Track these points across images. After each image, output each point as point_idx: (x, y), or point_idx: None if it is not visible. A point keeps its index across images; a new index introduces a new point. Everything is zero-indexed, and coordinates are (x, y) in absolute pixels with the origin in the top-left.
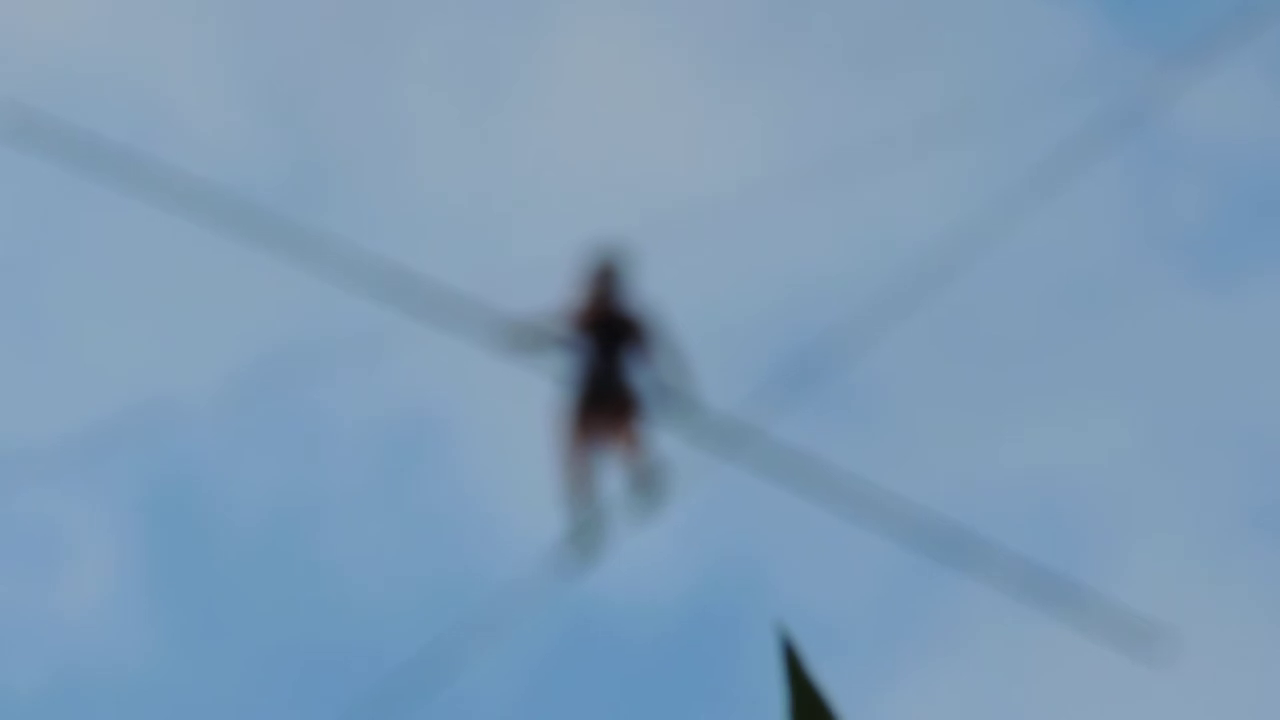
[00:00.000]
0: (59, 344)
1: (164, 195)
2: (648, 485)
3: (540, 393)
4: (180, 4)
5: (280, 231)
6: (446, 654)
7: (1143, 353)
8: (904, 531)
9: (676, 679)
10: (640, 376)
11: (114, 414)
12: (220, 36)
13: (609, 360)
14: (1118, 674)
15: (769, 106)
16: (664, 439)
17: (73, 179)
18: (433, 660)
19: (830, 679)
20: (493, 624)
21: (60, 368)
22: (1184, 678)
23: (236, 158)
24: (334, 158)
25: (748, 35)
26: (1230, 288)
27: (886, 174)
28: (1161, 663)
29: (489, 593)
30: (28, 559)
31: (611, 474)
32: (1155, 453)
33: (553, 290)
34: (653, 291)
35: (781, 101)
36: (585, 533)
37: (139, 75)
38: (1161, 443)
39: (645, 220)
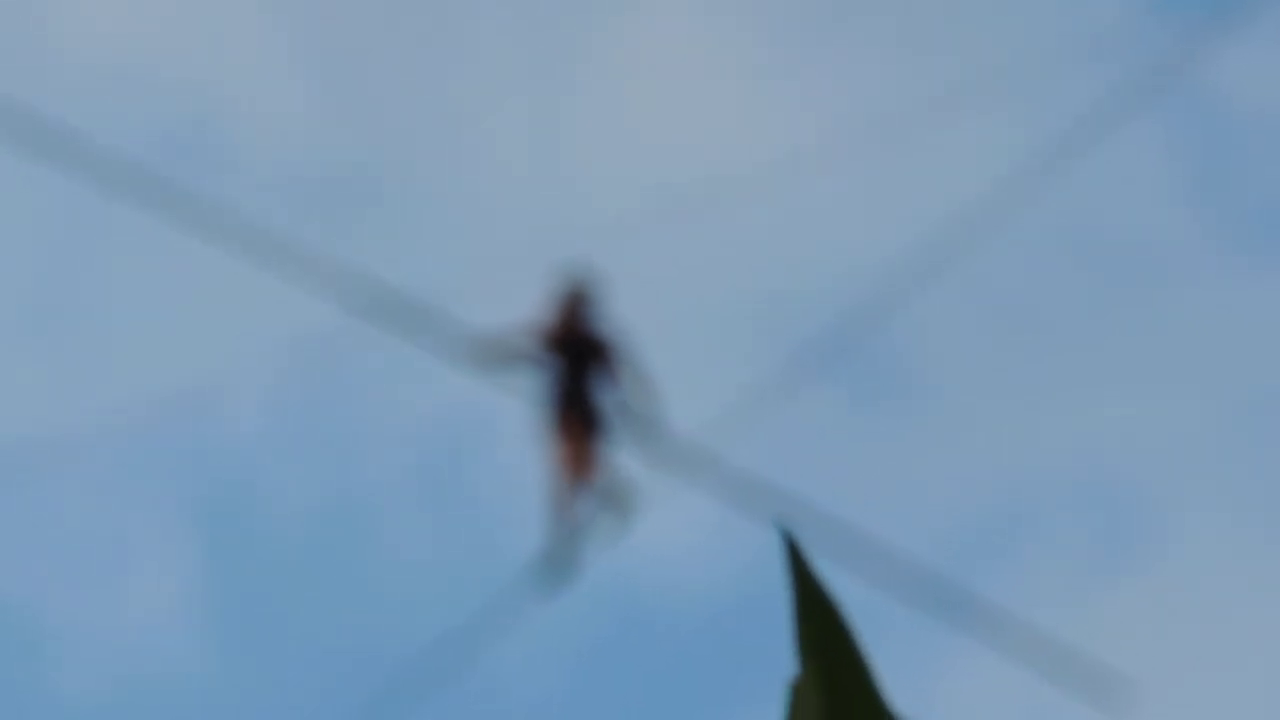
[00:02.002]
0: (99, 337)
1: (190, 219)
2: (614, 504)
3: None
4: None
5: (267, 245)
6: (474, 649)
7: (1185, 326)
8: (861, 565)
9: (720, 663)
10: (606, 398)
11: (157, 407)
12: (282, 26)
13: (576, 381)
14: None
15: (810, 79)
16: (627, 461)
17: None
18: (464, 655)
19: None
20: (492, 624)
21: (100, 361)
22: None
23: (298, 147)
24: (395, 147)
25: (789, 6)
26: (1274, 259)
27: (922, 140)
28: (1123, 713)
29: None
30: (88, 566)
31: (582, 493)
32: (1207, 430)
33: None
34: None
35: (818, 73)
36: (561, 550)
37: (201, 67)
38: (1213, 419)
39: (698, 194)
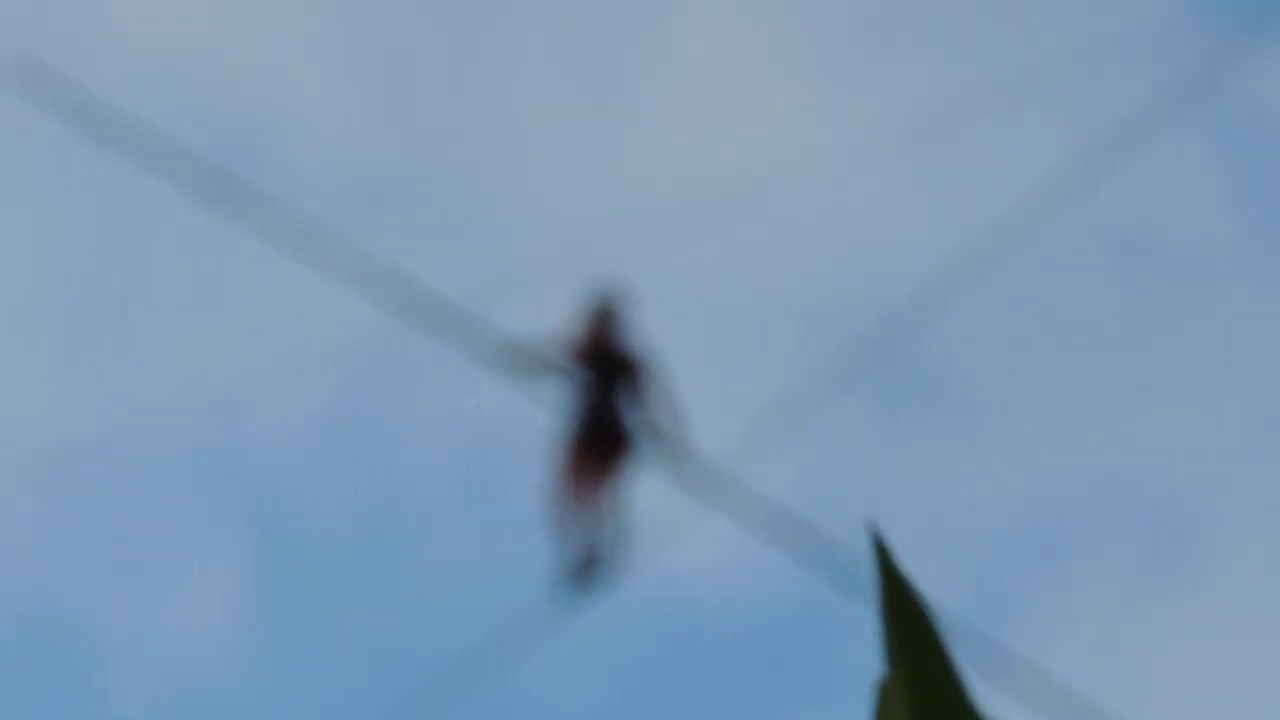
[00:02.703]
0: (144, 336)
1: (238, 216)
2: (616, 534)
3: None
4: None
5: (310, 244)
6: (512, 655)
7: (1231, 333)
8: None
9: (774, 674)
10: (633, 416)
11: (200, 409)
12: (332, 27)
13: (604, 397)
14: None
15: (850, 80)
16: (652, 481)
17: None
18: (502, 661)
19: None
20: (527, 631)
21: (143, 362)
22: None
23: (345, 147)
24: (446, 148)
25: (830, 9)
26: None
27: (962, 142)
28: None
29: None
30: (138, 574)
31: (596, 512)
32: (1254, 439)
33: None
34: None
35: (857, 75)
36: (577, 568)
37: (252, 65)
38: (1259, 428)
39: (737, 197)
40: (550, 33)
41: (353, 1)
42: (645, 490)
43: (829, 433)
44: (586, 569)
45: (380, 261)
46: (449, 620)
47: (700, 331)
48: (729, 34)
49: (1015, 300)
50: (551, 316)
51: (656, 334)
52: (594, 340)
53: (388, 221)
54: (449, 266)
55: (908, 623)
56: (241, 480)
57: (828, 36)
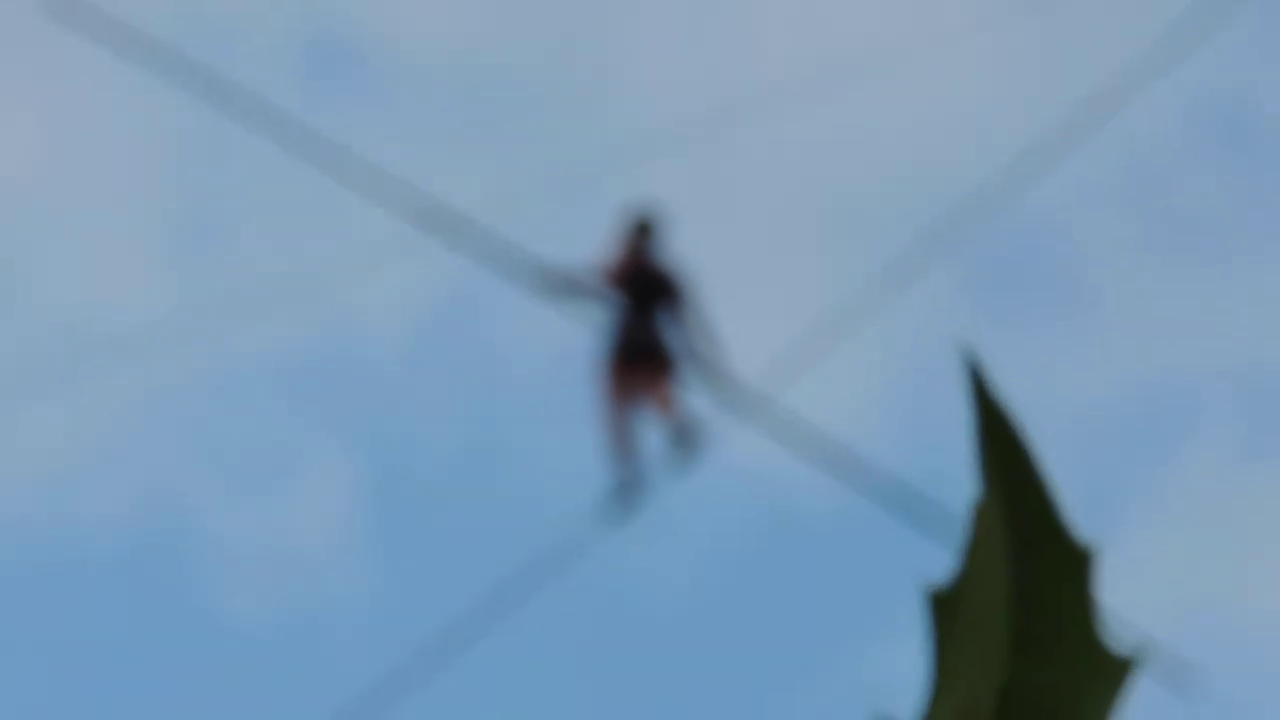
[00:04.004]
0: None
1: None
2: (684, 440)
3: None
4: None
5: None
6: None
7: None
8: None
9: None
10: (674, 335)
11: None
12: None
13: (643, 317)
14: None
15: None
16: (693, 399)
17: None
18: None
19: None
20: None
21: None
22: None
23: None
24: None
25: None
26: None
27: (1063, 8)
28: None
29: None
30: (249, 476)
31: (650, 430)
32: None
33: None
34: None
35: None
36: (627, 488)
37: None
38: None
39: (824, 73)
40: None
41: None
42: (689, 406)
43: (915, 317)
44: (632, 486)
45: (422, 188)
46: (549, 517)
47: (788, 215)
48: None
49: (1110, 181)
50: (660, 188)
51: (749, 211)
52: (631, 261)
53: (490, 101)
54: (554, 142)
55: (1002, 446)
56: (345, 383)
57: None
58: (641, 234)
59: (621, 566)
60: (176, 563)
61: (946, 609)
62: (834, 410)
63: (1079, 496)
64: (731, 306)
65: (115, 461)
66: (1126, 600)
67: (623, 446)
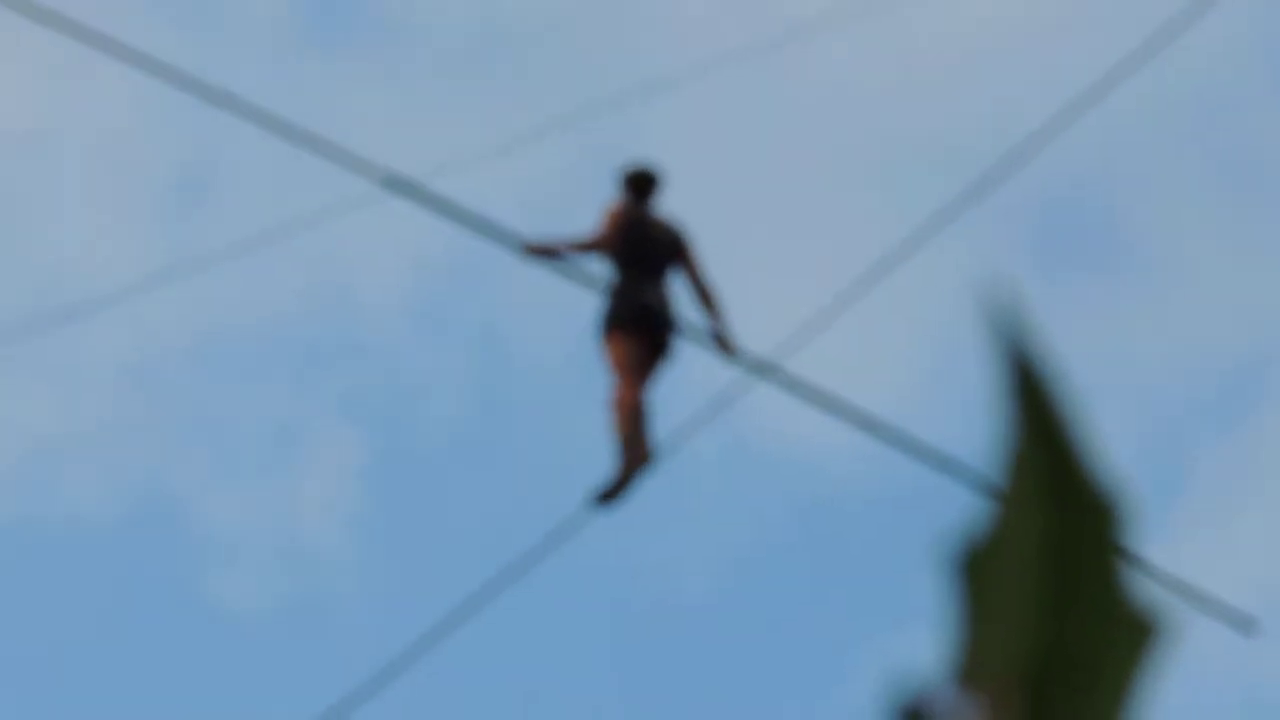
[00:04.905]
0: None
1: None
2: (639, 468)
3: None
4: None
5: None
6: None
7: None
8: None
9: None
10: (675, 292)
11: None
12: None
13: (643, 277)
14: None
15: None
16: (691, 357)
17: None
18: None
19: None
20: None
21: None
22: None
23: None
24: None
25: None
26: None
27: None
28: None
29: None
30: (248, 461)
31: (655, 410)
32: None
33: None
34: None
35: None
36: (627, 468)
37: None
38: None
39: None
40: None
41: None
42: (701, 365)
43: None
44: (639, 460)
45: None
46: (555, 492)
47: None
48: None
49: (1173, 128)
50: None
51: (797, 141)
52: (631, 217)
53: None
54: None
55: (1033, 399)
56: (346, 364)
57: None
58: (639, 189)
59: (644, 551)
60: (171, 550)
61: (977, 566)
62: (867, 373)
63: (1142, 467)
64: (768, 256)
65: (108, 443)
66: (1191, 564)
67: (627, 425)
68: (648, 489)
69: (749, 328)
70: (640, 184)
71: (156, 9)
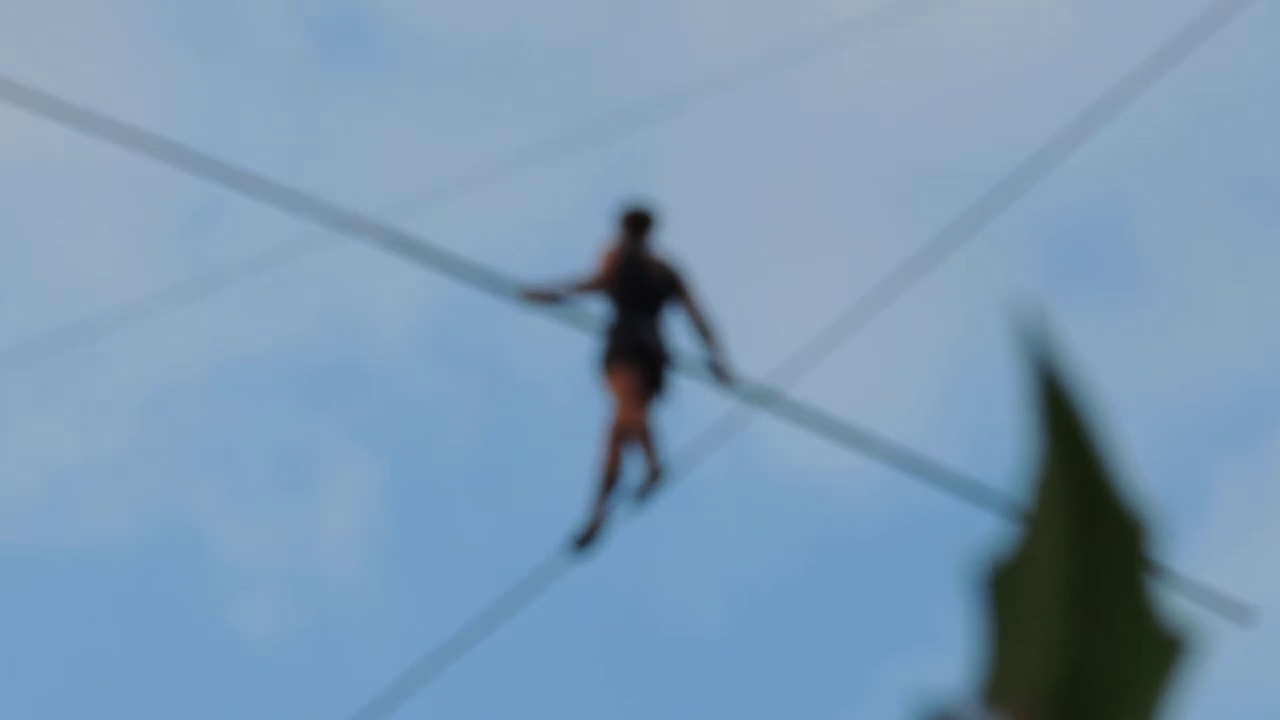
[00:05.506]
0: None
1: None
2: (652, 482)
3: None
4: None
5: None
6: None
7: None
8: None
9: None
10: (671, 331)
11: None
12: None
13: (640, 315)
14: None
15: None
16: (691, 389)
17: None
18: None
19: None
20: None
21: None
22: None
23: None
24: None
25: None
26: None
27: None
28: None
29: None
30: (265, 490)
31: (636, 438)
32: None
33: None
34: None
35: None
36: (594, 525)
37: None
38: None
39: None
40: None
41: None
42: (699, 397)
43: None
44: (648, 483)
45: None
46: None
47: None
48: None
49: (1186, 151)
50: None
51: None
52: (627, 256)
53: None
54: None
55: (1059, 414)
56: (364, 394)
57: None
58: (635, 228)
59: (657, 578)
60: (188, 578)
61: (1004, 584)
62: (880, 397)
63: (1164, 486)
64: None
65: (125, 472)
66: (1213, 578)
67: (609, 475)
68: (660, 517)
69: (755, 354)
70: (637, 223)
71: (173, 41)
